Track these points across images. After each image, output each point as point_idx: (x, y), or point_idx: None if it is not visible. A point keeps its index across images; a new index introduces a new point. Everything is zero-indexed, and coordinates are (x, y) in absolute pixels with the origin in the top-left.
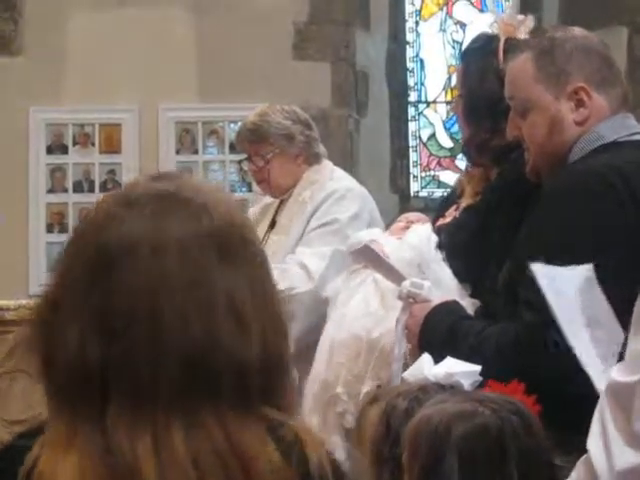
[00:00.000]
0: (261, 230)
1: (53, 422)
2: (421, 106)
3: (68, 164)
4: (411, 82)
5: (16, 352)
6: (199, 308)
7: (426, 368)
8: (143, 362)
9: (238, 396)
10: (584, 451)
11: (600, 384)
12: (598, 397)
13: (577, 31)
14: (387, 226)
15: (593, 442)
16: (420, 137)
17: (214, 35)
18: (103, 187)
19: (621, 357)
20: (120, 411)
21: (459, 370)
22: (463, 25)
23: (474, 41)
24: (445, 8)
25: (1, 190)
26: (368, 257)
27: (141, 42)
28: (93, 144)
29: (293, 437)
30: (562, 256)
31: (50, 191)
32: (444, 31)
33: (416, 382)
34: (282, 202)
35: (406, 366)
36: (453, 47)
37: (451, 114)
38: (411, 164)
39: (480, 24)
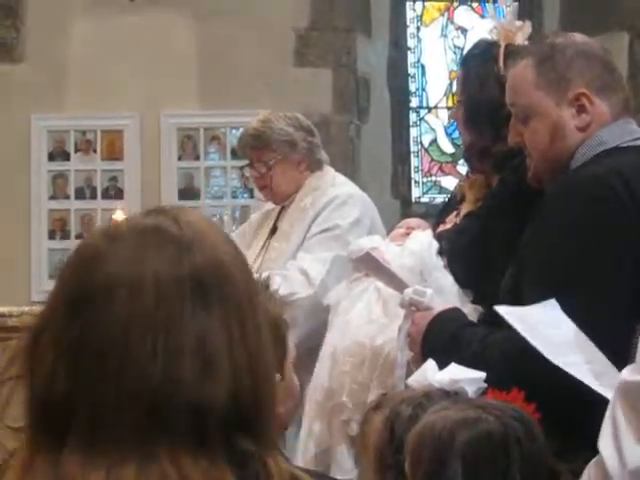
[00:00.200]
0: (262, 236)
1: (21, 448)
2: (422, 112)
3: (70, 171)
4: (412, 88)
5: (19, 358)
6: (166, 351)
7: (430, 374)
8: (105, 399)
9: (197, 435)
10: (584, 459)
11: (603, 391)
12: (600, 404)
13: (578, 37)
14: (388, 232)
15: (605, 442)
16: (421, 143)
17: (216, 41)
18: (105, 194)
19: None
20: (78, 444)
21: (464, 377)
22: (464, 30)
23: (474, 47)
24: (446, 14)
25: (3, 197)
26: (370, 265)
27: (142, 49)
28: (95, 151)
29: (260, 471)
30: (564, 261)
31: (52, 198)
32: (445, 37)
33: (420, 388)
34: (283, 208)
35: (410, 373)
36: (454, 53)
37: (452, 120)
38: (412, 170)
39: (481, 29)
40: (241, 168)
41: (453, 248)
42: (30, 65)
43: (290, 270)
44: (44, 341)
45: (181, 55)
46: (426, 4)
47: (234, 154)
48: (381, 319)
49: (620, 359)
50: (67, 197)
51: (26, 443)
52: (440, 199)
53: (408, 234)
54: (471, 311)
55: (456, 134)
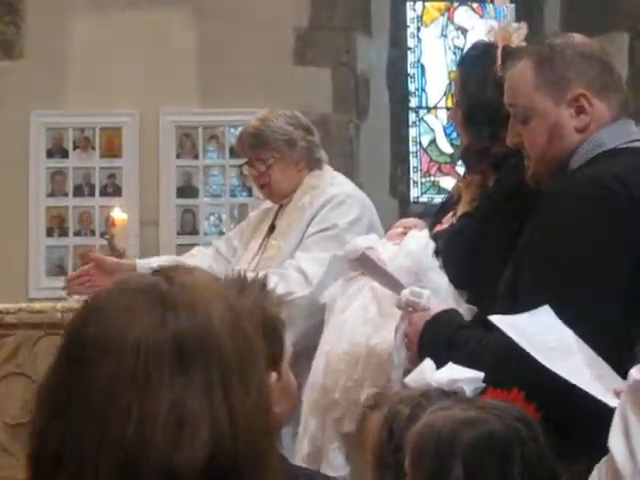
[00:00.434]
0: (260, 234)
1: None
2: (422, 112)
3: (68, 168)
4: (412, 88)
5: (16, 355)
6: (139, 414)
7: (428, 374)
8: (86, 457)
9: None
10: (585, 459)
11: (600, 395)
12: (596, 406)
13: (577, 37)
14: (387, 231)
15: (615, 440)
16: (420, 143)
17: (215, 40)
18: (103, 191)
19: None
20: None
21: (462, 376)
22: (464, 31)
23: (471, 49)
24: (446, 14)
25: (1, 193)
26: (366, 266)
27: (142, 46)
28: (93, 148)
29: None
30: (563, 261)
31: (50, 195)
32: (445, 37)
33: (418, 388)
34: (282, 207)
35: (407, 373)
36: (454, 53)
37: (451, 121)
38: (411, 170)
39: (481, 30)
40: (240, 166)
41: (449, 249)
42: (29, 62)
43: (288, 269)
44: (42, 395)
45: (180, 53)
46: (426, 4)
47: (233, 153)
48: (376, 318)
49: (618, 359)
50: (65, 194)
51: None
52: (439, 199)
53: (405, 234)
54: (466, 311)
55: (455, 134)
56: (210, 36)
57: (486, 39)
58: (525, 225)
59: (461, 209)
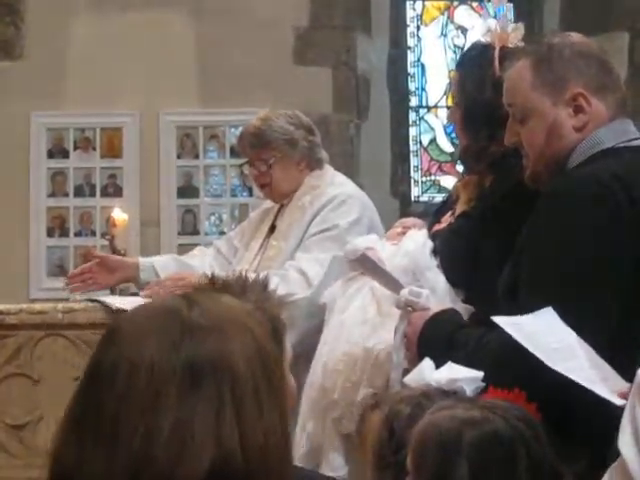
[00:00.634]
0: (261, 235)
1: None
2: (422, 111)
3: (69, 168)
4: (412, 87)
5: (17, 356)
6: (145, 430)
7: (428, 373)
8: (96, 472)
9: None
10: (585, 459)
11: (607, 394)
12: (598, 404)
13: (575, 37)
14: (387, 231)
15: (625, 442)
16: (421, 142)
17: (215, 40)
18: (104, 191)
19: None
20: None
21: (462, 376)
22: (464, 30)
23: (469, 50)
24: (446, 13)
25: (2, 194)
26: (366, 266)
27: (142, 47)
28: (94, 148)
29: None
30: (562, 260)
31: (51, 195)
32: (445, 36)
33: (418, 387)
34: (282, 207)
35: (406, 373)
36: (454, 52)
37: (450, 122)
38: (412, 169)
39: (481, 29)
40: (240, 166)
41: (446, 248)
42: (30, 62)
43: (288, 270)
44: (65, 412)
45: (180, 53)
46: (426, 3)
47: (233, 152)
48: (375, 319)
49: (618, 360)
50: (66, 195)
51: None
52: (439, 198)
53: (404, 233)
54: (462, 311)
55: (454, 132)
56: (210, 36)
57: (484, 40)
58: (523, 225)
59: (459, 209)
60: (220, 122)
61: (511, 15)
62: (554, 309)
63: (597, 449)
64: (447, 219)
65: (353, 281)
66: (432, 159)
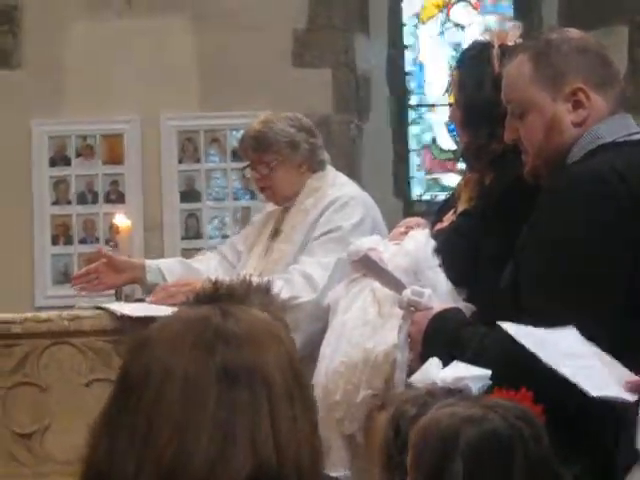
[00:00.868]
0: (264, 238)
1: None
2: (422, 109)
3: (71, 176)
4: (412, 86)
5: (24, 365)
6: (181, 433)
7: (434, 372)
8: (127, 473)
9: None
10: (587, 462)
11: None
12: (602, 405)
13: (573, 32)
14: (390, 231)
15: None
16: (422, 141)
17: (214, 43)
18: (107, 198)
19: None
20: None
21: (468, 374)
22: (462, 27)
23: (468, 49)
24: (444, 10)
25: (5, 203)
26: (368, 267)
27: (141, 52)
28: (96, 155)
29: None
30: (564, 255)
31: (54, 203)
32: (443, 34)
33: (424, 387)
34: (285, 210)
35: (411, 372)
36: (453, 49)
37: (451, 120)
38: (414, 168)
39: (479, 26)
40: (242, 169)
41: (447, 247)
42: (29, 70)
43: (293, 274)
44: (103, 414)
45: (180, 58)
46: (424, 1)
47: (235, 156)
48: (376, 320)
49: (623, 357)
50: (69, 202)
51: None
52: (442, 197)
53: (407, 233)
54: (464, 309)
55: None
56: (209, 40)
57: (482, 38)
58: (523, 222)
59: (460, 207)
60: (221, 126)
61: (510, 12)
62: (556, 307)
63: (599, 451)
64: (449, 218)
65: (356, 282)
66: (434, 158)
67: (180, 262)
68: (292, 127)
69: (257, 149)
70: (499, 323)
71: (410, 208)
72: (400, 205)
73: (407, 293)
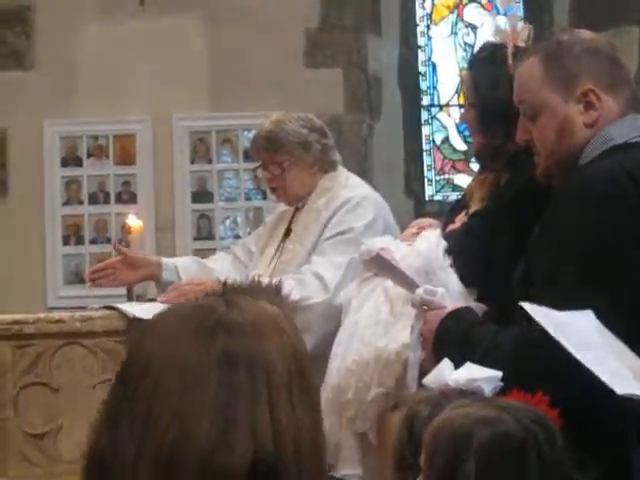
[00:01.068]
0: (276, 238)
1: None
2: (434, 110)
3: (83, 176)
4: (423, 86)
5: (36, 365)
6: (181, 419)
7: (446, 374)
8: (126, 459)
9: None
10: (601, 468)
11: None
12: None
13: (584, 33)
14: (403, 231)
15: None
16: (434, 141)
17: (226, 44)
18: (118, 198)
19: None
20: None
21: (480, 375)
22: (474, 28)
23: (481, 51)
24: (456, 11)
25: (17, 203)
26: (381, 265)
27: (153, 52)
28: (107, 156)
29: None
30: (576, 256)
31: (66, 203)
32: (455, 34)
33: (437, 388)
34: (297, 210)
35: (423, 372)
36: (465, 50)
37: (463, 122)
38: (425, 168)
39: (491, 27)
40: (254, 170)
41: (459, 247)
42: (41, 71)
43: (305, 274)
44: (104, 402)
45: (192, 58)
46: (435, 2)
47: (247, 156)
48: (388, 319)
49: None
50: (81, 202)
51: None
52: (453, 197)
53: (419, 234)
54: (476, 310)
55: (468, 132)
56: (221, 40)
57: (493, 39)
58: (535, 223)
59: (473, 207)
60: (233, 126)
61: (520, 12)
62: (568, 307)
63: (615, 456)
64: (461, 218)
65: (368, 282)
66: (445, 158)
67: (195, 261)
68: (304, 127)
69: (269, 149)
70: (521, 303)
71: (422, 208)
72: (411, 205)
73: (420, 292)
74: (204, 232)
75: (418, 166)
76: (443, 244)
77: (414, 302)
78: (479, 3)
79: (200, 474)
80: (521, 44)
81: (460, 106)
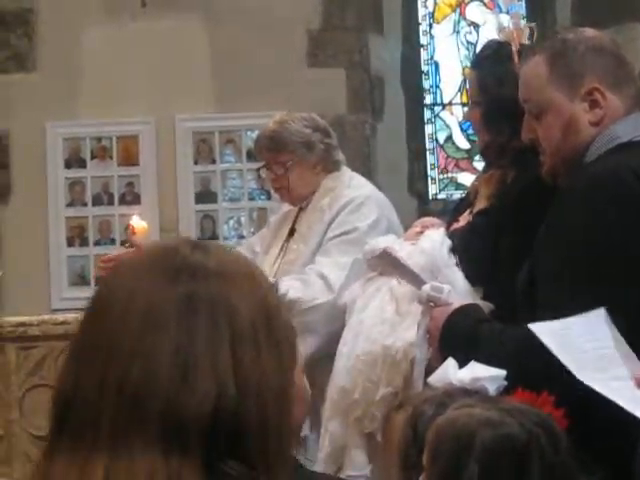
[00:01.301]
0: (280, 238)
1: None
2: (437, 108)
3: (87, 177)
4: (426, 85)
5: (41, 367)
6: (144, 357)
7: (451, 373)
8: (90, 398)
9: (175, 443)
10: (607, 468)
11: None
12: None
13: (589, 32)
14: (406, 230)
15: None
16: (437, 139)
17: (228, 44)
18: (122, 199)
19: None
20: (66, 445)
21: (485, 375)
22: (476, 26)
23: (485, 49)
24: (458, 10)
25: (21, 205)
26: (387, 262)
27: (156, 53)
28: (111, 157)
29: None
30: (583, 256)
31: (69, 205)
32: (457, 33)
33: (442, 387)
34: (301, 210)
35: (430, 369)
36: (467, 48)
37: (467, 120)
38: (428, 167)
39: (493, 25)
40: (257, 170)
41: (465, 246)
42: (44, 73)
43: (309, 274)
44: (73, 341)
45: (194, 59)
46: (437, 0)
47: (250, 156)
48: (394, 318)
49: None
50: (84, 204)
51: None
52: (457, 195)
53: (422, 233)
54: (482, 307)
55: (471, 130)
56: (223, 41)
57: (497, 37)
58: (541, 221)
59: (479, 204)
60: (236, 126)
61: (523, 10)
62: (573, 305)
63: (619, 460)
64: (465, 217)
65: (372, 281)
66: (448, 156)
67: None
68: (307, 127)
69: (272, 149)
70: (529, 326)
71: (425, 207)
72: (415, 204)
73: (426, 289)
74: (208, 232)
75: (421, 165)
76: (448, 243)
77: (420, 299)
78: (481, 1)
79: (163, 415)
80: (525, 42)
81: (463, 104)
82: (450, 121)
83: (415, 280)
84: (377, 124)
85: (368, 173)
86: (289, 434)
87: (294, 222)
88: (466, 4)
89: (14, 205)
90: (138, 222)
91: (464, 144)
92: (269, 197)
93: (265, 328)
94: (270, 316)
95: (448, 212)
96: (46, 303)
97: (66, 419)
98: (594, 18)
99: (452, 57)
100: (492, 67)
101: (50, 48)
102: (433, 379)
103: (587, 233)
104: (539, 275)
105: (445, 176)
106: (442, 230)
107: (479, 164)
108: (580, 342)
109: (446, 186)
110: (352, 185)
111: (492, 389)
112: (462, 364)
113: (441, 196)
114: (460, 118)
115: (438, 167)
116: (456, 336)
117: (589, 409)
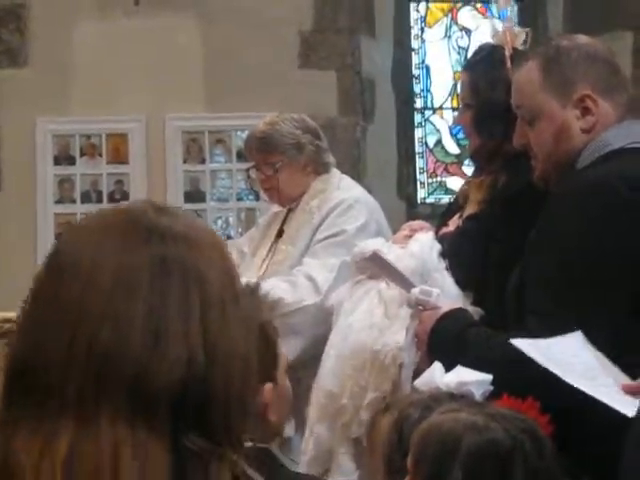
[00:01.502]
0: (269, 239)
1: None
2: (427, 112)
3: (76, 175)
4: (417, 89)
5: None
6: (115, 320)
7: (437, 377)
8: (56, 362)
9: (142, 412)
10: (593, 474)
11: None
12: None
13: (582, 39)
14: (395, 233)
15: None
16: (426, 143)
17: (220, 44)
18: (111, 197)
19: None
20: (30, 412)
21: (471, 379)
22: (468, 31)
23: (478, 52)
24: (450, 14)
25: (9, 202)
26: (376, 264)
27: (147, 52)
28: (100, 155)
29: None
30: (576, 261)
31: (58, 202)
32: (449, 37)
33: (428, 391)
34: (290, 211)
35: (418, 372)
36: (458, 53)
37: (458, 124)
38: (418, 170)
39: (485, 30)
40: (247, 170)
41: (455, 251)
42: (34, 69)
43: (297, 276)
44: (24, 303)
45: (186, 58)
46: (430, 5)
47: (240, 157)
48: (382, 322)
49: (619, 358)
50: (73, 201)
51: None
52: (446, 200)
53: (411, 236)
54: (472, 313)
55: (461, 135)
56: (215, 41)
57: (490, 41)
58: (531, 227)
59: (470, 209)
60: (226, 126)
61: (515, 16)
62: (562, 311)
63: (603, 466)
64: (455, 222)
65: (361, 284)
66: (438, 161)
67: None
68: (297, 129)
69: (262, 150)
70: (511, 340)
71: (414, 211)
72: (404, 207)
73: (415, 292)
74: None
75: (411, 169)
76: (437, 247)
77: (409, 302)
78: (473, 7)
79: (133, 380)
80: (520, 46)
81: (453, 109)
82: (440, 125)
83: (404, 283)
84: (367, 127)
85: (357, 175)
86: (250, 406)
87: (283, 223)
88: (458, 9)
89: (2, 201)
90: None
91: (454, 149)
92: (258, 198)
93: (232, 299)
94: (233, 282)
95: (436, 216)
96: None
97: (29, 385)
98: (585, 26)
99: (443, 61)
100: (485, 70)
101: (42, 44)
102: (419, 382)
103: (580, 239)
104: (528, 280)
105: (434, 180)
106: (431, 234)
107: (468, 169)
108: (565, 357)
109: (435, 190)
110: (341, 187)
111: (478, 394)
112: (450, 368)
113: (429, 200)
114: (450, 122)
115: (427, 171)
116: (444, 340)
117: (575, 415)
